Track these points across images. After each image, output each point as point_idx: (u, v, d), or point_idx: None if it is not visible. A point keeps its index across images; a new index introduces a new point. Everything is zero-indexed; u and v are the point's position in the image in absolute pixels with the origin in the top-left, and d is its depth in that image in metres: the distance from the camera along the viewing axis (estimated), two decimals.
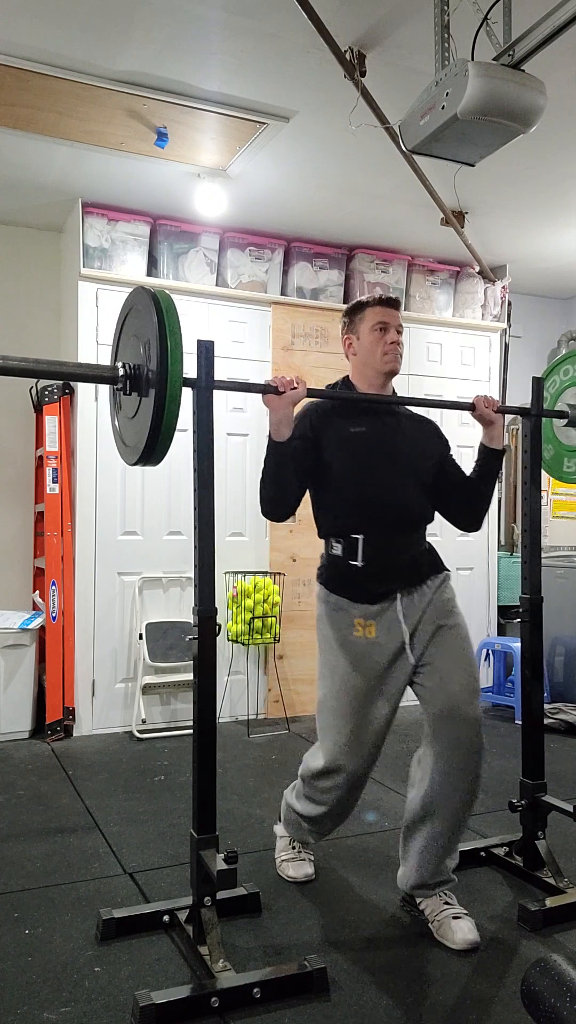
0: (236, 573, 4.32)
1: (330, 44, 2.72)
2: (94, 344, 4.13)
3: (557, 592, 4.68)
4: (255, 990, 1.89)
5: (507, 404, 5.20)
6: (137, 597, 4.23)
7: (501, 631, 5.20)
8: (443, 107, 2.34)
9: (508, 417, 5.26)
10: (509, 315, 5.19)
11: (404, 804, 2.32)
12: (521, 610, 2.63)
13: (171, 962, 2.07)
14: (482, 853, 2.65)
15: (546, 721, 4.25)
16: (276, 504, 2.28)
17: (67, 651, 4.08)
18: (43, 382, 4.38)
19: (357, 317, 2.38)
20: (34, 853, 2.72)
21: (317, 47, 2.77)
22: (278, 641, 4.34)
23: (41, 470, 4.36)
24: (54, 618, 4.07)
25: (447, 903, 2.23)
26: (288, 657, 4.48)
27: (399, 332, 2.36)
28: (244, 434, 4.45)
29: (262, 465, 2.23)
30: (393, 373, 2.36)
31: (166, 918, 2.22)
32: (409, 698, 2.28)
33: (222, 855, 1.96)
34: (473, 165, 2.69)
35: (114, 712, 4.20)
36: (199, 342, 2.09)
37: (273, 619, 4.27)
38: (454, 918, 2.17)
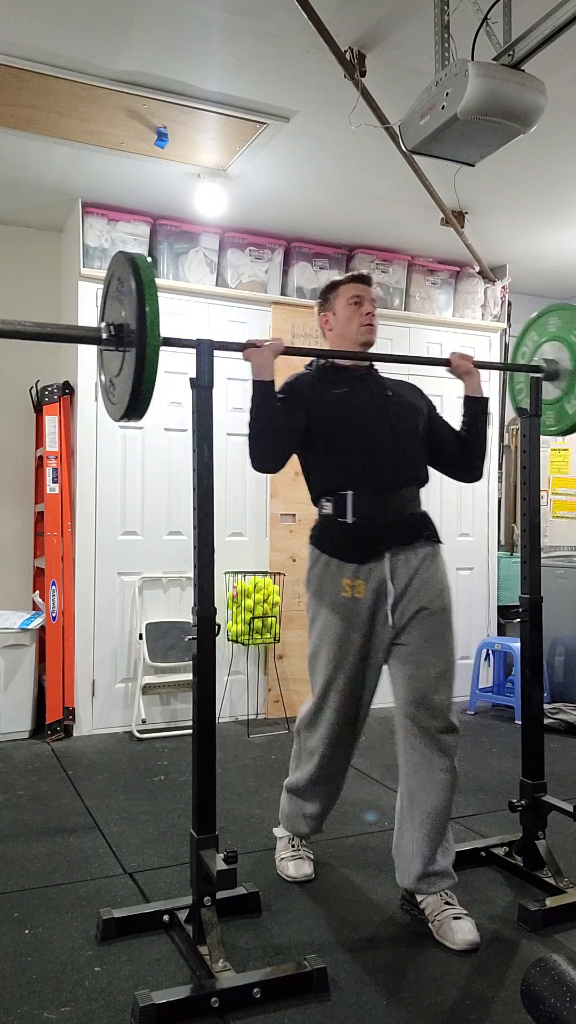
0: (236, 573, 4.32)
1: (330, 44, 2.72)
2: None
3: (557, 592, 4.68)
4: (255, 990, 1.90)
5: (506, 405, 5.21)
6: (137, 597, 4.23)
7: (501, 631, 5.20)
8: (443, 107, 2.35)
9: (508, 417, 5.29)
10: (509, 315, 5.18)
11: None
12: (521, 610, 2.63)
13: (171, 962, 2.07)
14: (482, 853, 2.65)
15: (546, 721, 4.25)
16: (267, 451, 2.31)
17: (67, 651, 4.08)
18: (43, 382, 4.39)
19: (332, 295, 2.47)
20: (34, 853, 2.72)
21: (317, 47, 2.77)
22: (278, 641, 4.34)
23: (41, 470, 4.36)
24: (54, 618, 4.07)
25: (447, 903, 2.23)
26: (288, 657, 4.48)
27: (373, 305, 2.44)
28: (244, 434, 4.42)
29: (249, 415, 2.27)
30: (368, 344, 2.45)
31: (166, 918, 2.23)
32: None
33: (222, 855, 1.97)
34: (473, 165, 2.69)
35: (114, 712, 4.20)
36: (199, 341, 2.09)
37: (273, 619, 4.27)
38: (454, 918, 2.18)
